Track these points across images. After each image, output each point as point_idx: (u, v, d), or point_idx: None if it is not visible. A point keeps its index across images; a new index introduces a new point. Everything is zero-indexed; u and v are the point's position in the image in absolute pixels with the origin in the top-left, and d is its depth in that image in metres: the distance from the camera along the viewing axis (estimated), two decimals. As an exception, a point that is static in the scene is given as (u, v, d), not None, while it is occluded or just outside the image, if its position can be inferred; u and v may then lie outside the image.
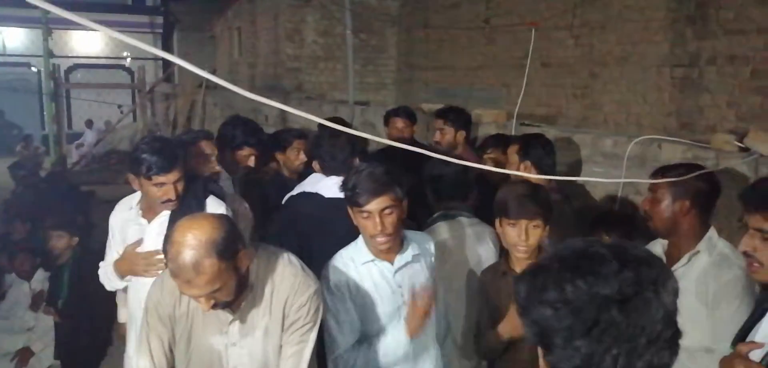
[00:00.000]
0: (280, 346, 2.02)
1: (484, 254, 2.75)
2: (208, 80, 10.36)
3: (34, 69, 16.42)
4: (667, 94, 4.23)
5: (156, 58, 16.80)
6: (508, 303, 2.28)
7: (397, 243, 2.25)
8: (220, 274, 1.74)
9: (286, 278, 1.99)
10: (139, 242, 2.61)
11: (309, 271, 2.07)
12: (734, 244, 2.69)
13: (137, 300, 2.56)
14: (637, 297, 0.96)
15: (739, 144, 2.78)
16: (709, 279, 2.06)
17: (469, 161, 3.37)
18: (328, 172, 2.86)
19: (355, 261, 2.25)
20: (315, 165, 3.01)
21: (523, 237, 2.21)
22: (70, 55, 17.12)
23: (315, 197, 2.79)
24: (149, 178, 2.48)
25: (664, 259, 2.18)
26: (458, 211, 2.78)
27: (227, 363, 1.99)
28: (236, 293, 1.84)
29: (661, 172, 2.24)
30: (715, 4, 3.86)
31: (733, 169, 2.73)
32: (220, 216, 1.95)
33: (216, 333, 1.98)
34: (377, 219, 2.12)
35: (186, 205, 2.61)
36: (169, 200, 2.53)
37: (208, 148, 3.01)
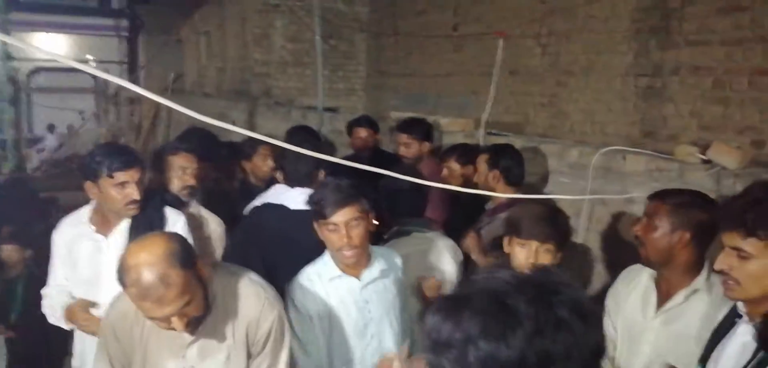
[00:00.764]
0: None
1: (445, 269, 2.73)
2: (173, 84, 10.21)
3: (-8, 72, 15.96)
4: (632, 103, 4.27)
5: (121, 62, 16.48)
6: None
7: (365, 258, 2.22)
8: (189, 284, 1.69)
9: (248, 299, 1.93)
10: (87, 302, 2.49)
11: (271, 290, 2.02)
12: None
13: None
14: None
15: (702, 156, 2.80)
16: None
17: (434, 173, 3.36)
18: (292, 183, 2.81)
19: (322, 278, 2.21)
20: (278, 175, 2.95)
21: (532, 259, 2.13)
22: (31, 57, 16.69)
23: (280, 209, 2.74)
24: (111, 176, 2.40)
25: (653, 290, 2.09)
26: (414, 226, 2.75)
27: None
28: (205, 306, 1.79)
29: (660, 196, 2.08)
30: (678, 15, 3.91)
31: (696, 181, 2.75)
32: (167, 233, 1.90)
33: (172, 357, 1.90)
34: (343, 232, 2.08)
35: (146, 216, 2.53)
36: (134, 201, 2.44)
37: (185, 160, 2.90)
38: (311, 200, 2.17)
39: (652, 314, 2.06)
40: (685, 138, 3.82)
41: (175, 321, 1.69)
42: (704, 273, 2.00)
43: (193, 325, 1.78)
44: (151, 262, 1.64)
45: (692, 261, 2.01)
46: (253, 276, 2.01)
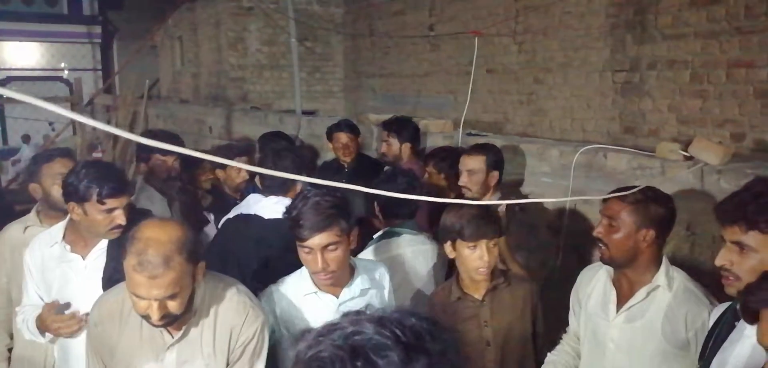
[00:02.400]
0: None
1: (432, 271, 2.70)
2: (149, 90, 10.06)
3: (-37, 83, 15.63)
4: (610, 99, 4.26)
5: (95, 69, 16.21)
6: (466, 329, 2.21)
7: (345, 275, 2.11)
8: (183, 277, 1.70)
9: (233, 307, 1.90)
10: (55, 304, 2.39)
11: (257, 301, 1.99)
12: (683, 253, 2.70)
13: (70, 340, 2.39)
14: None
15: (684, 152, 2.78)
16: (679, 320, 1.94)
17: (416, 174, 3.31)
18: (267, 191, 2.75)
19: (297, 292, 2.11)
20: (258, 179, 2.90)
21: (486, 258, 2.14)
22: (2, 67, 16.36)
23: (253, 219, 2.67)
24: (102, 203, 2.30)
25: (611, 289, 2.09)
26: (403, 228, 2.71)
27: None
28: (185, 309, 1.77)
29: (619, 197, 2.03)
30: (653, 9, 3.91)
31: (679, 179, 2.72)
32: (184, 224, 1.88)
33: (150, 360, 1.86)
34: (319, 256, 1.96)
35: (124, 233, 2.45)
36: (118, 226, 2.35)
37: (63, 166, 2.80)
38: (288, 213, 2.04)
39: (613, 313, 2.07)
40: (665, 133, 3.81)
41: (154, 309, 1.69)
42: (663, 268, 2.02)
43: (168, 321, 1.75)
44: (162, 240, 1.68)
45: (654, 258, 2.02)
46: (241, 286, 1.98)
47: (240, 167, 3.66)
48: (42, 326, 2.41)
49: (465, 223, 2.15)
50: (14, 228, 2.85)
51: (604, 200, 2.07)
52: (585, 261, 2.80)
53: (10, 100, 14.62)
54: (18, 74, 16.76)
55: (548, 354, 2.33)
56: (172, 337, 1.86)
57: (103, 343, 1.90)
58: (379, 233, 2.75)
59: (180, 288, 1.71)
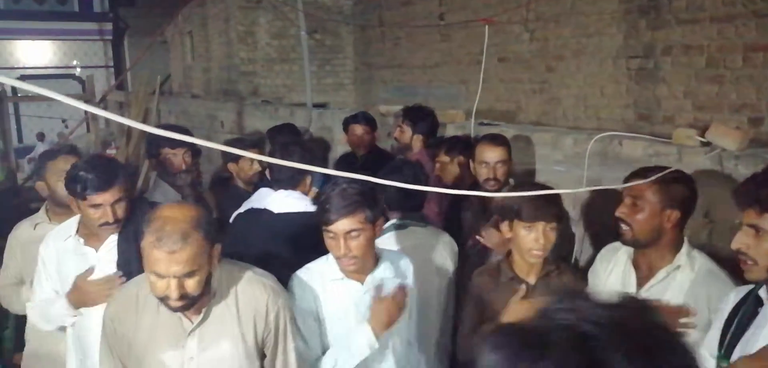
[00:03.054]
0: (253, 360, 1.93)
1: (441, 262, 2.68)
2: (161, 86, 10.09)
3: (-23, 83, 15.77)
4: (624, 86, 4.20)
5: (106, 66, 16.30)
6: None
7: (370, 263, 2.14)
8: (201, 255, 1.73)
9: (253, 287, 1.93)
10: (90, 271, 2.41)
11: (274, 279, 2.02)
12: (701, 240, 2.66)
13: (86, 328, 2.39)
14: None
15: (701, 138, 2.73)
16: (701, 300, 1.92)
17: (427, 166, 3.29)
18: (277, 185, 2.74)
19: (323, 277, 2.15)
20: (267, 174, 2.90)
21: (541, 240, 2.13)
22: (15, 66, 16.50)
23: (263, 214, 2.66)
24: (84, 198, 2.31)
25: (631, 270, 2.07)
26: (410, 220, 2.69)
27: None
28: (203, 291, 1.78)
29: (642, 176, 2.02)
30: (667, -7, 3.84)
31: (696, 164, 2.68)
32: (201, 206, 1.93)
33: (171, 348, 1.87)
34: (341, 242, 2.01)
35: (135, 228, 2.45)
36: (107, 223, 2.35)
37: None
38: (317, 201, 2.11)
39: (633, 294, 2.03)
40: (681, 119, 3.75)
41: (173, 288, 1.71)
42: (685, 248, 2.00)
43: (187, 303, 1.77)
44: (180, 219, 1.73)
45: (675, 239, 2.01)
46: (256, 269, 2.01)
47: (252, 158, 3.65)
48: (77, 299, 2.41)
49: (523, 204, 2.15)
50: (24, 226, 2.88)
51: (628, 179, 2.06)
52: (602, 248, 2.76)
53: (26, 98, 14.76)
54: (31, 72, 16.89)
55: None
56: (192, 323, 1.87)
57: (119, 339, 1.90)
58: (387, 225, 2.73)
59: (198, 266, 1.73)
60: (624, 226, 2.03)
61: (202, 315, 1.86)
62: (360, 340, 2.06)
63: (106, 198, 2.33)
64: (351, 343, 2.07)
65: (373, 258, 2.15)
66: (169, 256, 1.68)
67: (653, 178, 2.01)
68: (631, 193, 2.02)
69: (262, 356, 1.99)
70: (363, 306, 2.13)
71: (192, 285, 1.74)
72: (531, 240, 2.15)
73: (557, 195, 2.24)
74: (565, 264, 2.42)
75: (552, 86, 4.83)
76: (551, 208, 2.15)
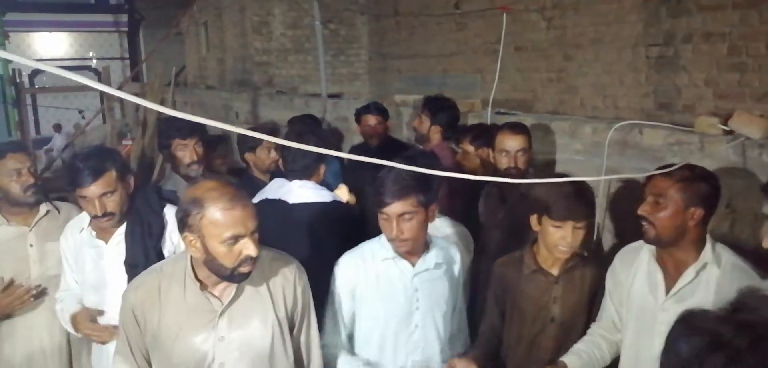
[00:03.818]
0: (284, 335, 1.96)
1: (457, 254, 2.65)
2: (176, 77, 10.13)
3: (-5, 74, 15.93)
4: (644, 74, 4.14)
5: (122, 57, 16.39)
6: (533, 302, 2.22)
7: (420, 247, 2.20)
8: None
9: (279, 266, 1.98)
10: (99, 313, 2.47)
11: (294, 259, 2.06)
12: (723, 231, 2.62)
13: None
14: None
15: (724, 127, 2.68)
16: (730, 296, 1.90)
17: (445, 159, 3.26)
18: (292, 176, 2.73)
19: (375, 256, 2.21)
20: (281, 163, 2.88)
21: (569, 239, 2.14)
22: (33, 58, 16.63)
23: (278, 204, 2.65)
24: (73, 191, 2.34)
25: (657, 269, 2.02)
26: None
27: (213, 360, 1.87)
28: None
29: (666, 174, 1.98)
30: (688, -20, 3.77)
31: (718, 154, 2.63)
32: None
33: (202, 330, 1.87)
34: (394, 224, 2.08)
35: (143, 218, 2.46)
36: (95, 216, 2.35)
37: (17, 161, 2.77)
38: (372, 185, 2.18)
39: (662, 296, 2.00)
40: (701, 108, 3.69)
41: (251, 243, 1.75)
42: (709, 245, 1.96)
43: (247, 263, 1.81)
44: (227, 184, 1.82)
45: (699, 237, 1.97)
46: (276, 250, 2.05)
47: (269, 140, 3.64)
48: (75, 328, 2.49)
49: (553, 201, 2.14)
50: None
51: (649, 178, 2.01)
52: (623, 241, 2.72)
53: (43, 89, 14.89)
54: (48, 65, 16.99)
55: (576, 343, 2.25)
56: (222, 303, 1.87)
57: (143, 329, 1.89)
58: None
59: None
60: (646, 224, 1.98)
61: (232, 295, 1.87)
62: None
63: (92, 191, 2.31)
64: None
65: (424, 241, 2.22)
66: (244, 211, 1.75)
67: (672, 169, 1.96)
68: (653, 191, 1.97)
69: (291, 332, 2.02)
70: (411, 287, 2.19)
71: (257, 237, 1.81)
72: (558, 238, 2.16)
73: (589, 195, 2.21)
74: (587, 256, 2.39)
75: (569, 75, 4.78)
76: (581, 208, 2.14)
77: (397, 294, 2.19)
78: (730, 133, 2.67)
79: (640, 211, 1.99)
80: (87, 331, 2.44)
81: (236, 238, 1.74)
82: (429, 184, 2.14)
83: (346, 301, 2.21)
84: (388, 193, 2.08)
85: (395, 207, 2.08)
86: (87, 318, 2.45)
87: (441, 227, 2.66)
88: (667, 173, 1.96)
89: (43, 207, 2.80)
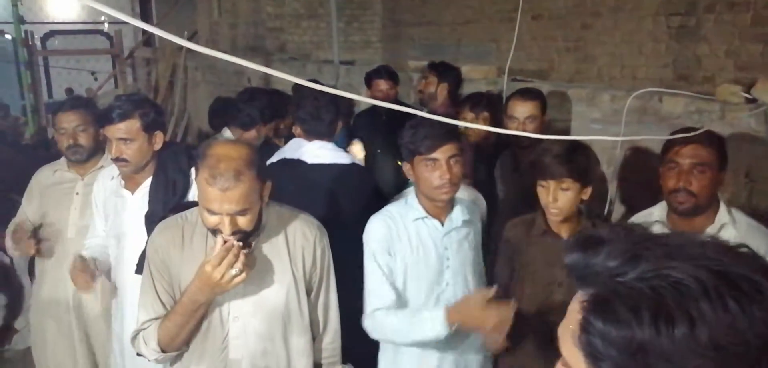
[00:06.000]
0: (299, 294, 1.96)
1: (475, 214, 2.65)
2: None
3: (8, 36, 15.94)
4: (664, 44, 4.07)
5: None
6: (542, 265, 2.20)
7: (450, 203, 2.19)
8: (253, 192, 1.75)
9: (301, 226, 1.97)
10: (92, 261, 2.52)
11: (316, 221, 2.05)
12: (740, 201, 2.58)
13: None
14: None
15: (746, 95, 2.63)
16: None
17: (449, 117, 3.23)
18: (311, 135, 2.71)
19: (405, 218, 2.18)
20: (296, 129, 2.85)
21: (552, 198, 2.12)
22: (44, 20, 16.63)
23: (297, 164, 2.64)
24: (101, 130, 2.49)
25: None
26: None
27: (228, 313, 1.88)
28: (255, 227, 1.80)
29: (699, 140, 1.98)
30: (713, -53, 3.68)
31: (739, 122, 2.59)
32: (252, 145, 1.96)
33: None
34: (445, 167, 2.04)
35: (169, 175, 2.48)
36: (116, 159, 2.41)
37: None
38: (404, 138, 2.13)
39: None
40: (722, 79, 3.63)
41: (225, 224, 1.72)
42: (723, 207, 1.98)
43: (239, 237, 1.77)
44: (233, 156, 1.74)
45: (716, 200, 2.00)
46: (298, 210, 2.04)
47: (319, 89, 3.63)
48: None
49: (541, 160, 2.14)
50: (45, 171, 3.05)
51: (680, 148, 1.98)
52: (636, 208, 2.70)
53: (55, 51, 14.92)
54: (60, 28, 17.04)
55: None
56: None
57: (166, 267, 1.91)
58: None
59: (250, 203, 1.74)
60: (684, 195, 1.95)
61: (251, 250, 1.86)
62: (432, 320, 2.03)
63: (111, 131, 2.40)
64: (422, 320, 2.05)
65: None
66: (222, 194, 1.70)
67: (694, 134, 1.95)
68: (692, 160, 1.95)
69: (308, 293, 2.01)
70: (442, 246, 2.18)
71: (244, 222, 1.75)
72: (545, 198, 2.15)
73: (580, 156, 2.15)
74: (600, 221, 2.37)
75: (587, 44, 4.71)
76: (560, 167, 2.08)
77: (429, 252, 2.17)
78: (752, 101, 2.62)
79: (682, 183, 1.95)
80: (73, 273, 2.46)
81: (211, 212, 1.73)
82: (459, 135, 2.14)
83: (387, 258, 2.16)
84: (436, 136, 2.04)
85: (445, 150, 2.05)
86: (79, 263, 2.46)
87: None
88: (698, 139, 1.96)
89: (101, 162, 2.93)
